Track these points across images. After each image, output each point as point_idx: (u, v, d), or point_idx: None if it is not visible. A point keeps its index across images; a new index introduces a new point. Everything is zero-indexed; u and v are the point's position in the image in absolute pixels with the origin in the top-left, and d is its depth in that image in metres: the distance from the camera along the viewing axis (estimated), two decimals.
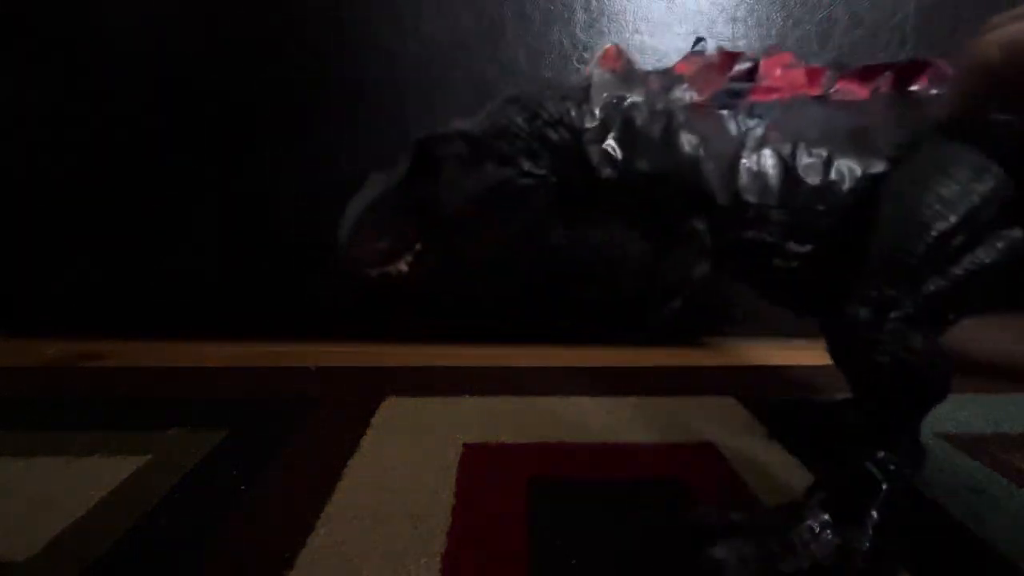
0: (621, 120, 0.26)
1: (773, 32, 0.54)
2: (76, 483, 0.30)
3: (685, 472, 0.32)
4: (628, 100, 0.26)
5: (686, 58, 0.28)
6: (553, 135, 0.27)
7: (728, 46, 0.28)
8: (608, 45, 0.28)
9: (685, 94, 0.27)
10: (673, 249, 0.27)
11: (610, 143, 0.26)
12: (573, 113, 0.27)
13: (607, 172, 0.26)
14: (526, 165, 0.26)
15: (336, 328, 0.58)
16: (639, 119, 0.26)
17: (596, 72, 0.27)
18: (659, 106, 0.26)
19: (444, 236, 0.27)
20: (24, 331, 0.58)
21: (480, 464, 0.32)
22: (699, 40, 0.29)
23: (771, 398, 0.43)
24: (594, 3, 0.53)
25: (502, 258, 0.28)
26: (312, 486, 0.30)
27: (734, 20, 0.54)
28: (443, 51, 0.52)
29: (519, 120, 0.26)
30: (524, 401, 0.42)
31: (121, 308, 0.58)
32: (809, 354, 0.54)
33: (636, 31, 0.53)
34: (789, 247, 0.26)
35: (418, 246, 0.27)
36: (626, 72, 0.27)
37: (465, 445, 0.35)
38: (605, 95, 0.27)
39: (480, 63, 0.52)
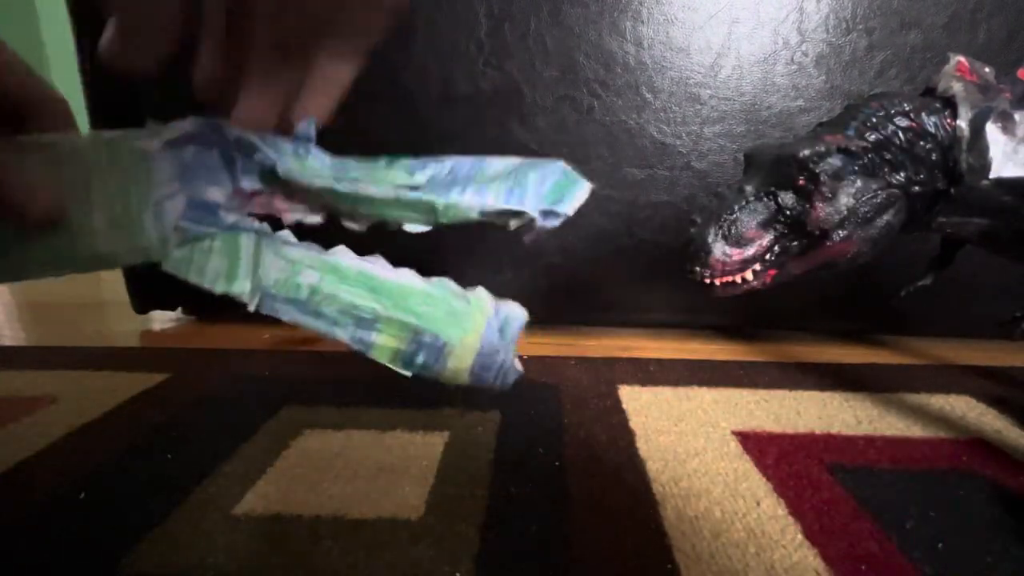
0: (990, 129, 0.27)
1: None
2: (405, 454, 0.34)
3: (977, 465, 0.32)
4: (996, 109, 0.27)
5: None
6: (922, 146, 0.28)
7: None
8: (958, 58, 0.29)
9: None
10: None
11: (981, 152, 0.27)
12: (939, 125, 0.28)
13: (977, 180, 0.27)
14: (892, 177, 0.28)
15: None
16: (1010, 127, 0.27)
17: (957, 84, 0.28)
18: None
19: (802, 245, 0.29)
20: (237, 318, 0.65)
21: (766, 451, 0.34)
22: None
23: (1007, 395, 0.43)
24: None
25: (858, 262, 0.29)
26: (618, 463, 0.32)
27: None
28: None
29: (889, 133, 0.28)
30: (756, 394, 0.43)
31: None
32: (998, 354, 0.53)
33: None
34: None
35: (768, 256, 0.29)
36: (984, 83, 0.28)
37: (734, 432, 0.36)
38: (971, 106, 0.27)
39: None
